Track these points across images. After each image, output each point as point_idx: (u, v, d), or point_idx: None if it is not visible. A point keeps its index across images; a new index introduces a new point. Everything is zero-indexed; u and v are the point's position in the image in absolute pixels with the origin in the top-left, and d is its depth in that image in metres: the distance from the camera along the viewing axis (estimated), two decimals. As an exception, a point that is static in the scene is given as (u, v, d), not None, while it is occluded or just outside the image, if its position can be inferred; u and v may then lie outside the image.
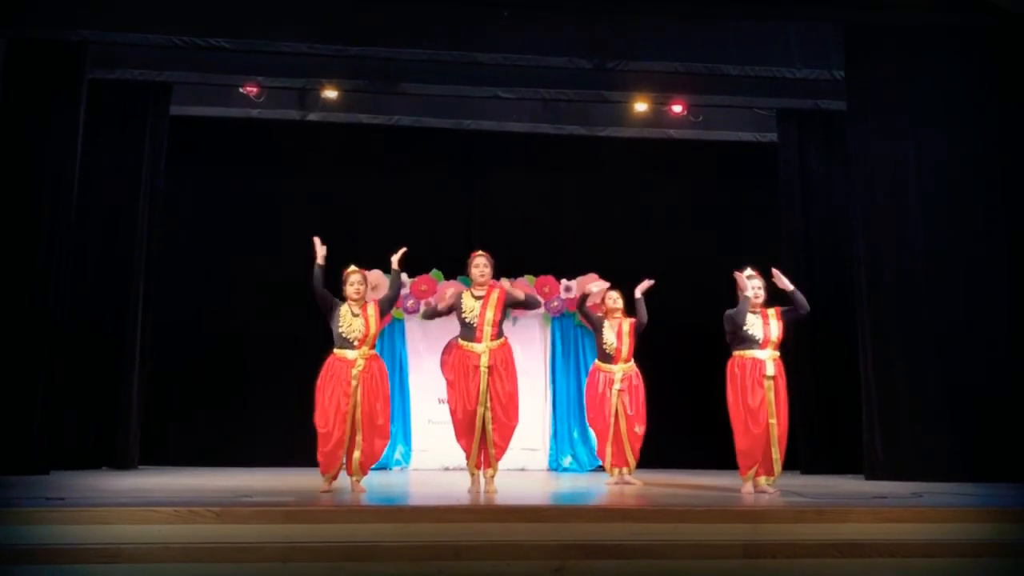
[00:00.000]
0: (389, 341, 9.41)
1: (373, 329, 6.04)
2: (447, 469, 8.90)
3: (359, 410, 5.82)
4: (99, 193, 8.56)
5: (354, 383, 5.81)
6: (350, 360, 5.89)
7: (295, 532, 4.16)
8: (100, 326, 8.49)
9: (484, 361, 5.93)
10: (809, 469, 8.62)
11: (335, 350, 6.00)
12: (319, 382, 5.97)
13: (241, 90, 9.10)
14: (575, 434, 9.43)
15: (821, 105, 9.10)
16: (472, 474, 6.07)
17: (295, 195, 10.00)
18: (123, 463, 8.28)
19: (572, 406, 9.41)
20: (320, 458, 5.89)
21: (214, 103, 9.41)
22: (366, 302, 6.13)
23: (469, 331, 6.06)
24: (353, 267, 6.26)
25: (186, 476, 7.21)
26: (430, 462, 9.13)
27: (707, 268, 10.23)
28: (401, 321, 9.46)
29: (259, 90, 9.09)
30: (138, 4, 7.96)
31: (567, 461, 9.32)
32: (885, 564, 4.19)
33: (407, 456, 9.21)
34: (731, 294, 10.18)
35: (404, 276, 9.48)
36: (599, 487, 6.79)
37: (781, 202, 9.36)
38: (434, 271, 9.54)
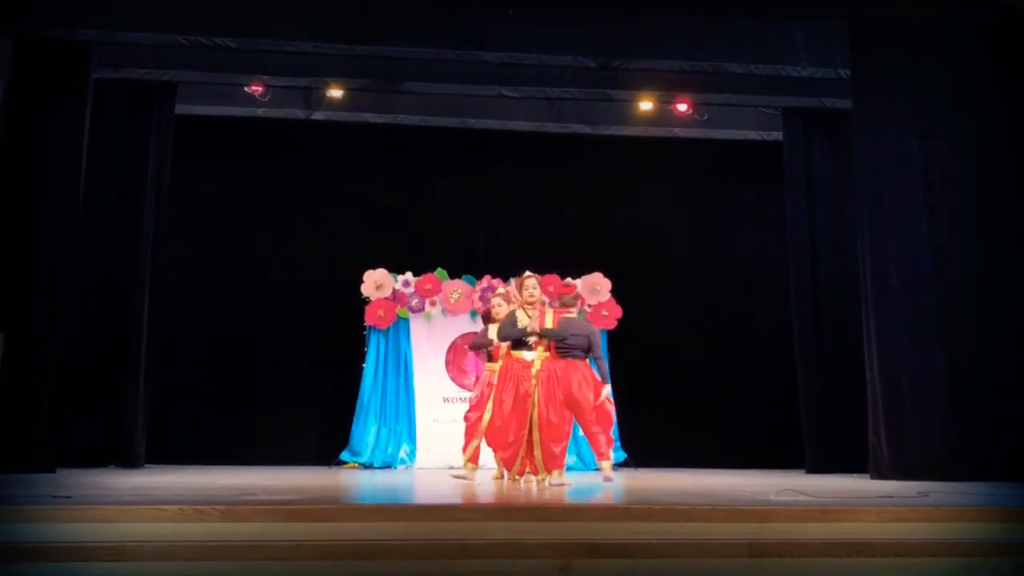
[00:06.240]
0: (394, 340, 9.41)
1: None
2: (452, 468, 8.89)
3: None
4: (104, 192, 8.59)
5: (534, 382, 6.14)
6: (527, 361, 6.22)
7: (301, 530, 4.16)
8: (106, 324, 8.52)
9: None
10: (814, 468, 8.61)
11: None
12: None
13: (246, 89, 9.12)
14: (579, 433, 9.39)
15: (826, 104, 9.09)
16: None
17: (300, 194, 10.03)
18: (129, 461, 8.31)
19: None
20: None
21: (219, 102, 9.43)
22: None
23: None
24: (528, 272, 6.64)
25: (192, 474, 7.21)
26: (435, 461, 9.12)
27: (711, 266, 10.26)
28: (406, 320, 9.46)
29: (264, 89, 9.11)
30: (143, 4, 7.98)
31: (571, 460, 9.31)
32: (891, 564, 4.17)
33: (412, 455, 9.21)
34: (732, 294, 10.25)
35: (409, 275, 9.54)
36: (604, 486, 6.78)
37: (786, 201, 9.34)
38: (439, 270, 9.54)
